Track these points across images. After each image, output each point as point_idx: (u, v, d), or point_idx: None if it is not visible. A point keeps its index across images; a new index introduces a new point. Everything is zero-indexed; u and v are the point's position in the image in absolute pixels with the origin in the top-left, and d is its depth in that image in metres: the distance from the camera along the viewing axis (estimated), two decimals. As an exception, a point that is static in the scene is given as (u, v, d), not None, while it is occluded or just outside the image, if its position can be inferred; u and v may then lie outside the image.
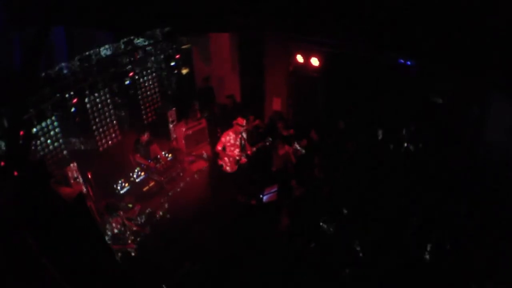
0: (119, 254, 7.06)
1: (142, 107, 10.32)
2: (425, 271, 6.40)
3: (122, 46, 9.26)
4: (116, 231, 7.04)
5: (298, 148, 9.12)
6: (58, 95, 7.94)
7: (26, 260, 4.42)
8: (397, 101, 8.63)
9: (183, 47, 11.13)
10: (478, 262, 6.22)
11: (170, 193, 8.76)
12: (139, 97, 10.17)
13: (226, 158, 8.46)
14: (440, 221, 6.99)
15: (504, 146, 7.58)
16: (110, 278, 6.50)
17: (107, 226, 7.06)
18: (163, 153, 9.20)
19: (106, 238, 6.98)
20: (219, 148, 8.39)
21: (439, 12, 6.25)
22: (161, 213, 8.36)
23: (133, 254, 7.15)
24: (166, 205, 8.52)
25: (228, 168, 8.55)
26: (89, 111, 8.82)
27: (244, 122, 8.27)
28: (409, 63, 7.87)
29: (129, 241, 7.18)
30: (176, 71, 11.12)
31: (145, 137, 8.81)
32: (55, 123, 8.09)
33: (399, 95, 8.55)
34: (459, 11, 6.08)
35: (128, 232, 7.24)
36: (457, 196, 7.38)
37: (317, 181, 8.40)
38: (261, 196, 8.21)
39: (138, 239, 7.36)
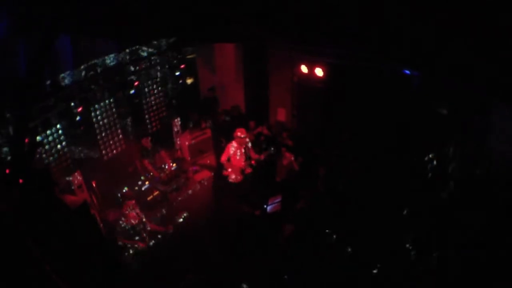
0: (126, 253, 6.99)
1: (146, 116, 10.34)
2: (432, 278, 6.33)
3: (127, 56, 9.31)
4: (129, 226, 6.97)
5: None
6: (63, 103, 7.97)
7: (28, 266, 4.39)
8: (401, 111, 8.59)
9: (188, 57, 11.18)
10: (483, 268, 6.16)
11: (180, 199, 8.70)
12: (144, 106, 10.20)
13: (231, 169, 8.42)
14: (445, 230, 6.94)
15: (508, 154, 7.52)
16: (111, 284, 6.46)
17: (122, 218, 7.01)
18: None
19: (118, 229, 6.95)
20: (224, 159, 8.36)
21: (441, 21, 6.26)
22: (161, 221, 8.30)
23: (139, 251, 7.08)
24: (168, 214, 8.46)
25: (233, 178, 8.51)
26: (94, 120, 8.85)
27: (243, 133, 8.22)
28: (412, 73, 7.85)
29: (145, 235, 7.15)
30: (181, 81, 11.15)
31: (148, 141, 8.82)
32: (60, 132, 8.12)
33: (404, 105, 8.51)
34: (461, 20, 6.08)
35: (143, 230, 7.20)
36: (461, 204, 7.32)
37: (320, 194, 8.35)
38: (265, 206, 8.15)
39: (158, 236, 7.36)
